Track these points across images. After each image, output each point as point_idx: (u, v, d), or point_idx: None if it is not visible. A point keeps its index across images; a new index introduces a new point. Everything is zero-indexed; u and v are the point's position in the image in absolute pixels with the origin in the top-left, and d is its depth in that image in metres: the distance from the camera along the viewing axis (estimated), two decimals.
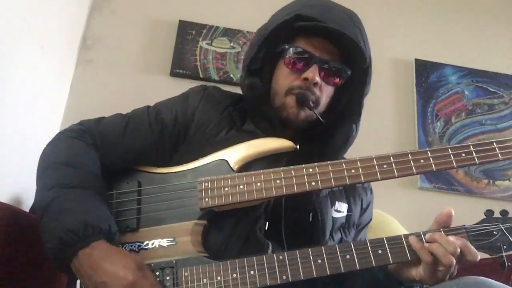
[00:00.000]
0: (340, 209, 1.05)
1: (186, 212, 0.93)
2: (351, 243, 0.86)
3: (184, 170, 0.99)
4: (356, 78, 1.06)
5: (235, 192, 0.91)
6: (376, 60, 2.26)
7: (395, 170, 0.88)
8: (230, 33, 2.09)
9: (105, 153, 1.00)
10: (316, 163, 0.91)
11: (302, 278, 0.83)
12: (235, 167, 0.95)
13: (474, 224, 0.88)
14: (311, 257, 0.85)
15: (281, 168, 0.92)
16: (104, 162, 1.00)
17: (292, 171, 0.91)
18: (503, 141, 0.87)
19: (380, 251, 0.85)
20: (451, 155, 0.87)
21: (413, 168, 0.87)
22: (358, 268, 0.84)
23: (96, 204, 0.89)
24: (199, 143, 1.01)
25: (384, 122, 2.10)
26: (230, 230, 0.93)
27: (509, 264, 0.84)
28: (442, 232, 0.85)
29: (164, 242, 0.91)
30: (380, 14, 2.29)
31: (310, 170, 0.90)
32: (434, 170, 0.87)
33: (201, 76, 2.00)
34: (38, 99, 1.58)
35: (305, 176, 0.90)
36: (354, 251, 0.85)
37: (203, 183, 0.94)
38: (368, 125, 2.02)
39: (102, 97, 1.92)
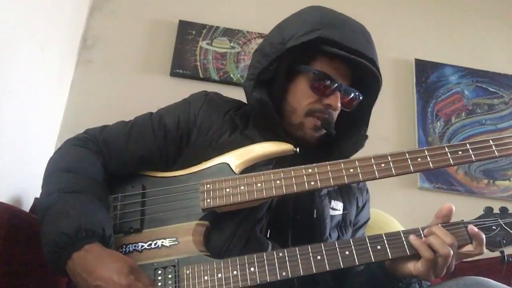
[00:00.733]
0: (336, 207, 1.07)
1: (188, 213, 0.95)
2: (350, 240, 0.87)
3: (187, 174, 1.01)
4: (367, 98, 1.10)
5: (236, 193, 0.93)
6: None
7: (392, 169, 0.89)
8: (230, 33, 2.09)
9: (110, 159, 1.03)
10: (315, 164, 0.92)
11: (302, 274, 0.84)
12: (236, 170, 0.98)
13: (473, 219, 0.88)
14: (310, 253, 0.86)
15: (281, 169, 0.94)
16: (109, 168, 1.03)
17: (292, 172, 0.93)
18: (500, 138, 0.89)
19: (379, 247, 0.85)
20: (448, 153, 0.88)
21: (411, 166, 0.89)
22: (357, 263, 0.85)
23: (93, 208, 0.91)
24: (202, 147, 1.03)
25: (384, 122, 2.10)
26: (231, 231, 0.94)
27: (510, 259, 0.85)
28: (440, 226, 0.86)
29: (166, 242, 0.93)
30: (380, 14, 2.29)
31: (309, 170, 0.92)
32: (432, 168, 0.88)
33: (201, 76, 2.00)
34: (38, 99, 1.58)
35: (305, 176, 0.91)
36: (353, 247, 0.85)
37: (205, 185, 0.96)
38: (368, 125, 2.03)
39: (102, 97, 1.92)
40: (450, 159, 0.88)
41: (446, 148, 0.89)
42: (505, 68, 2.26)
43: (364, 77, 1.07)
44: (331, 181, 0.91)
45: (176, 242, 0.93)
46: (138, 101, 1.91)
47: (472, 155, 0.88)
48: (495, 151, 0.87)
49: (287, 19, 1.11)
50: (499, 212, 0.89)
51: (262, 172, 0.94)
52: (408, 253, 0.85)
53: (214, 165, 1.00)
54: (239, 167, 0.98)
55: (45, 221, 0.88)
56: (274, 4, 2.15)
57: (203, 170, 1.00)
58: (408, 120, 2.12)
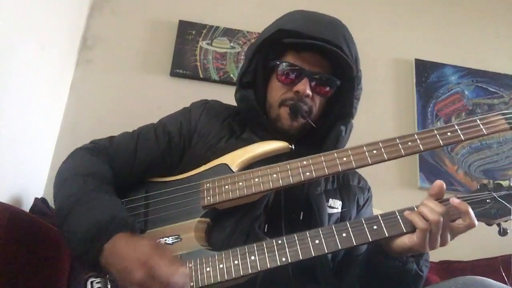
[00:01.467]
0: (334, 206, 1.09)
1: (189, 211, 0.98)
2: (347, 222, 0.89)
3: (187, 177, 1.05)
4: (346, 83, 1.11)
5: (235, 189, 0.96)
6: (376, 60, 2.28)
7: (384, 154, 0.91)
8: (230, 33, 2.09)
9: (120, 170, 1.07)
10: (309, 156, 0.96)
11: (301, 258, 0.86)
12: (235, 170, 1.01)
13: (467, 194, 0.91)
14: (308, 238, 0.88)
15: (277, 164, 0.97)
16: (117, 177, 1.06)
17: (288, 165, 0.96)
18: (486, 117, 0.91)
19: (375, 227, 0.87)
20: (437, 135, 0.91)
21: (402, 150, 0.91)
22: (354, 244, 0.86)
23: (118, 204, 0.95)
24: (201, 152, 1.08)
25: (384, 122, 2.10)
26: (231, 228, 0.97)
27: (507, 231, 0.87)
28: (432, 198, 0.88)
29: (169, 240, 0.96)
30: (380, 14, 2.30)
31: (304, 162, 0.95)
32: (422, 150, 0.91)
33: (201, 76, 2.00)
34: (38, 99, 1.58)
35: (300, 168, 0.95)
36: (350, 229, 0.88)
37: (205, 184, 0.99)
38: (368, 125, 2.04)
39: (102, 97, 1.92)
40: (440, 140, 0.90)
41: (435, 130, 0.91)
42: (505, 68, 2.26)
43: (340, 66, 1.09)
44: (326, 170, 0.93)
45: (179, 239, 0.95)
46: (138, 101, 1.91)
47: (461, 135, 0.90)
48: (483, 129, 0.90)
49: None
50: (493, 187, 0.92)
51: (259, 168, 0.97)
52: (404, 230, 0.87)
53: (213, 166, 1.04)
54: (237, 167, 1.01)
55: (73, 217, 0.90)
56: (274, 4, 2.15)
57: (203, 171, 1.04)
58: (408, 120, 2.12)
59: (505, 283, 0.83)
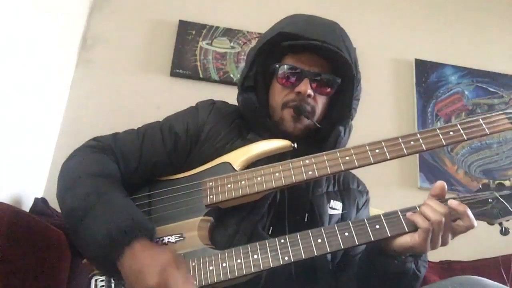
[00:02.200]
0: (335, 207, 1.09)
1: (192, 209, 0.98)
2: (349, 222, 0.89)
3: (190, 175, 1.04)
4: (346, 84, 1.12)
5: (237, 187, 0.96)
6: (376, 60, 2.28)
7: (387, 153, 0.91)
8: (230, 33, 2.09)
9: (126, 168, 1.05)
10: (312, 155, 0.96)
11: (304, 257, 0.86)
12: (237, 168, 1.01)
13: (469, 194, 0.91)
14: (311, 237, 0.88)
15: (279, 163, 0.97)
16: (124, 176, 1.04)
17: (290, 164, 0.96)
18: (489, 116, 0.91)
19: (377, 226, 0.88)
20: (440, 135, 0.91)
21: (404, 149, 0.91)
22: (357, 243, 0.87)
23: (135, 207, 0.94)
24: (208, 153, 1.07)
25: (384, 122, 2.10)
26: (235, 228, 0.98)
27: (509, 230, 0.87)
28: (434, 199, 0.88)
29: (172, 238, 0.96)
30: (380, 14, 2.30)
31: (307, 161, 0.95)
32: (425, 149, 0.91)
33: (201, 76, 2.00)
34: (38, 99, 1.58)
35: (302, 167, 0.95)
36: (352, 228, 0.88)
37: (207, 183, 0.99)
38: (368, 125, 2.03)
39: (102, 97, 1.92)
40: (442, 139, 0.90)
41: (437, 130, 0.91)
42: (505, 68, 2.27)
43: (339, 67, 1.10)
44: (328, 170, 0.93)
45: (182, 238, 0.95)
46: (138, 101, 1.91)
47: (463, 134, 0.90)
48: (486, 129, 0.90)
49: None
50: (495, 186, 0.92)
51: (261, 167, 0.97)
52: (407, 230, 0.87)
53: (216, 165, 1.03)
54: (240, 166, 1.01)
55: (89, 219, 0.88)
56: (274, 4, 2.15)
57: (206, 170, 1.03)
58: (408, 120, 2.12)
59: (505, 283, 0.83)
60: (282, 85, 1.10)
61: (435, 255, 1.52)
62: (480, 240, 1.54)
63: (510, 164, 2.09)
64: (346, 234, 0.87)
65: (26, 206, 1.41)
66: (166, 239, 0.96)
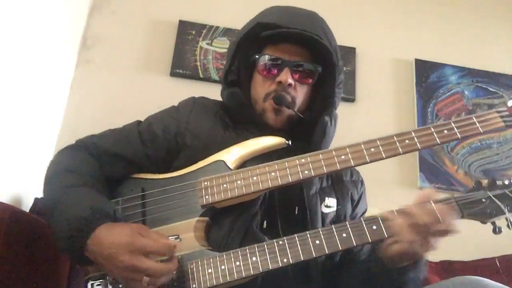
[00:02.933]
0: (330, 205, 1.09)
1: (188, 210, 0.97)
2: (347, 222, 0.89)
3: (184, 174, 1.04)
4: (327, 73, 1.12)
5: (233, 187, 0.96)
6: (376, 60, 2.28)
7: (382, 152, 0.92)
8: (230, 33, 2.09)
9: (101, 162, 1.06)
10: (308, 154, 0.96)
11: (302, 259, 0.86)
12: (232, 167, 1.01)
13: (463, 194, 0.92)
14: (309, 238, 0.88)
15: (275, 162, 0.97)
16: (103, 170, 1.06)
17: (286, 163, 0.96)
18: (482, 115, 0.92)
19: (374, 227, 0.88)
20: (434, 133, 0.92)
21: (399, 148, 0.92)
22: (354, 244, 0.87)
23: (100, 196, 0.95)
24: (198, 149, 1.06)
25: (384, 122, 2.10)
26: (229, 226, 0.97)
27: (502, 230, 0.88)
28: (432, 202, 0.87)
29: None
30: (380, 14, 2.29)
31: (303, 160, 0.95)
32: (419, 148, 0.92)
33: (201, 76, 2.00)
34: (38, 99, 1.58)
35: (298, 166, 0.95)
36: (350, 229, 0.88)
37: (202, 182, 0.98)
38: (368, 125, 2.04)
39: (102, 97, 1.92)
40: (437, 138, 0.91)
41: (432, 128, 0.92)
42: (505, 68, 2.26)
43: (319, 55, 1.09)
44: (324, 169, 0.94)
45: (178, 240, 0.95)
46: (138, 101, 1.91)
47: (458, 133, 0.91)
48: (479, 128, 0.90)
49: None
50: (487, 185, 0.93)
51: (257, 166, 0.97)
52: None
53: (210, 163, 1.03)
54: (234, 164, 1.01)
55: (56, 213, 0.91)
56: (274, 4, 2.15)
57: (200, 168, 1.03)
58: (408, 120, 2.12)
59: (505, 283, 0.83)
60: (263, 77, 1.10)
61: (435, 255, 1.52)
62: (480, 240, 1.54)
63: (510, 164, 2.09)
64: (344, 235, 0.88)
65: (26, 206, 1.41)
66: None
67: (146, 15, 2.09)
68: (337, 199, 1.11)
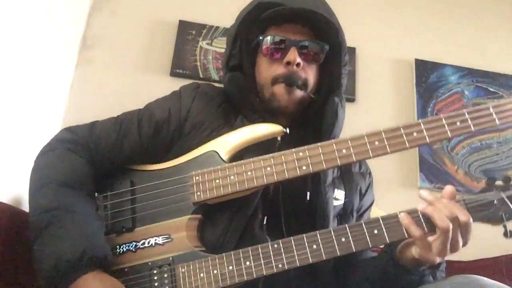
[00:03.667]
0: (338, 197, 1.04)
1: (179, 207, 0.93)
2: (346, 226, 0.84)
3: (175, 165, 0.98)
4: (333, 52, 1.07)
5: (226, 184, 0.90)
6: (376, 60, 2.28)
7: (387, 146, 0.85)
8: None
9: (101, 162, 1.00)
10: (306, 146, 0.89)
11: (298, 265, 0.83)
12: (225, 158, 0.95)
13: (475, 195, 0.85)
14: (306, 243, 0.84)
15: (271, 155, 0.90)
16: (98, 169, 1.00)
17: (282, 157, 0.89)
18: (500, 104, 0.83)
19: (376, 231, 0.83)
20: (445, 125, 0.83)
21: (406, 142, 0.84)
22: (354, 250, 0.82)
23: (93, 231, 0.88)
24: (194, 142, 1.00)
25: (384, 122, 2.09)
26: (225, 225, 0.92)
27: None
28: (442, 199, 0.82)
29: (160, 239, 0.92)
30: (380, 14, 2.29)
31: (300, 154, 0.88)
32: (429, 142, 0.84)
33: (201, 76, 2.00)
34: (38, 99, 1.58)
35: (296, 161, 0.88)
36: (349, 233, 0.83)
37: (194, 177, 0.93)
38: (368, 125, 2.03)
39: (102, 97, 1.92)
40: (448, 131, 0.83)
41: (443, 119, 0.84)
42: (505, 68, 2.26)
43: (323, 34, 1.05)
44: (324, 164, 0.87)
45: (170, 239, 0.91)
46: (138, 101, 1.89)
47: (471, 125, 0.82)
48: (496, 120, 0.81)
49: None
50: (501, 183, 0.85)
51: (251, 159, 0.91)
52: (406, 236, 0.82)
53: (202, 154, 0.97)
54: (228, 154, 0.95)
55: (41, 243, 0.84)
56: None
57: (192, 160, 0.97)
58: (408, 120, 2.10)
59: (505, 282, 0.82)
60: (268, 59, 1.04)
61: None
62: (480, 240, 1.54)
63: (510, 164, 2.09)
64: (343, 239, 0.83)
65: (26, 206, 1.41)
66: (152, 241, 0.92)
67: (146, 15, 2.09)
68: (345, 192, 1.06)
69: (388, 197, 1.65)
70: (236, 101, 1.06)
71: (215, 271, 0.85)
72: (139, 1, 2.12)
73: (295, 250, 0.84)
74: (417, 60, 2.21)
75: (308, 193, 0.99)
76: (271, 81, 1.03)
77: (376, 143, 0.85)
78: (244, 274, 0.84)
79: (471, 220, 0.80)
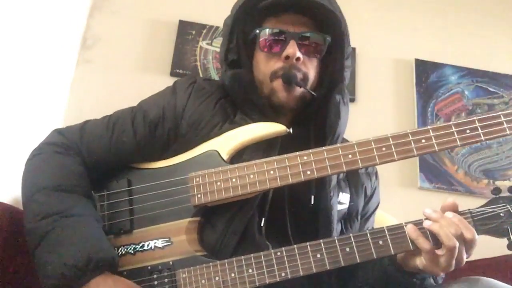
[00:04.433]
0: (343, 201, 1.01)
1: (179, 210, 0.90)
2: (351, 235, 0.82)
3: (174, 164, 0.96)
4: (335, 44, 1.01)
5: (228, 187, 0.87)
6: (376, 60, 2.28)
7: (394, 153, 0.82)
8: None
9: (94, 165, 0.97)
10: (310, 150, 0.86)
11: (302, 274, 0.82)
12: (226, 157, 0.92)
13: (481, 206, 0.84)
14: (309, 252, 0.82)
15: (274, 158, 0.87)
16: (92, 171, 0.97)
17: (286, 160, 0.86)
18: (511, 113, 0.81)
19: (381, 242, 0.81)
20: (455, 133, 0.81)
21: (414, 150, 0.82)
22: (358, 261, 0.81)
23: (97, 233, 0.86)
24: (193, 142, 0.97)
25: (384, 122, 2.10)
26: (223, 227, 0.90)
27: None
28: (445, 215, 0.81)
29: (159, 242, 0.90)
30: (380, 14, 2.29)
31: (305, 158, 0.85)
32: (437, 150, 0.82)
33: (201, 76, 2.00)
34: (38, 99, 1.58)
35: (300, 165, 0.85)
36: (354, 244, 0.82)
37: (194, 179, 0.90)
38: (368, 125, 2.03)
39: (102, 97, 1.91)
40: (457, 139, 0.80)
41: (453, 126, 0.81)
42: (505, 68, 2.26)
43: (325, 23, 0.99)
44: (329, 170, 0.84)
45: (170, 243, 0.89)
46: (138, 101, 1.91)
47: (481, 134, 0.79)
48: (507, 129, 0.79)
49: None
50: (508, 193, 0.83)
51: (254, 162, 0.88)
52: (412, 248, 0.81)
53: (202, 153, 0.94)
54: (229, 154, 0.92)
55: (43, 250, 0.82)
56: None
57: (191, 159, 0.94)
58: (408, 120, 2.12)
59: (506, 282, 0.82)
60: (266, 53, 0.98)
61: None
62: (480, 240, 1.54)
63: (510, 164, 2.09)
64: (347, 249, 0.81)
65: None
66: (152, 244, 0.90)
67: (146, 15, 2.09)
68: (350, 195, 1.02)
69: (388, 197, 1.65)
70: (237, 98, 1.01)
71: (216, 278, 0.83)
72: (139, 1, 2.12)
73: (298, 259, 0.82)
74: (417, 60, 2.21)
75: (313, 197, 0.96)
76: (270, 77, 0.98)
77: (383, 149, 0.83)
78: (247, 282, 0.82)
79: (476, 236, 0.79)
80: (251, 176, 0.87)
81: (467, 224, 0.79)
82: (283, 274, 0.82)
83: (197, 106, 0.99)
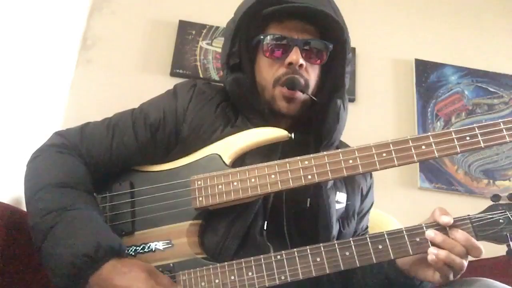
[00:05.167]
0: (340, 200, 1.02)
1: (180, 212, 0.91)
2: (351, 240, 0.83)
3: (176, 167, 0.96)
4: (336, 51, 1.03)
5: (229, 190, 0.88)
6: (376, 60, 2.28)
7: (395, 159, 0.83)
8: None
9: (94, 168, 0.98)
10: (312, 155, 0.87)
11: (301, 277, 0.82)
12: (228, 161, 0.93)
13: (480, 212, 0.84)
14: (309, 255, 0.83)
15: (275, 162, 0.88)
16: (93, 173, 0.98)
17: (287, 165, 0.87)
18: (510, 120, 0.82)
19: (380, 246, 0.82)
20: (455, 139, 0.82)
21: (414, 156, 0.83)
22: (358, 265, 0.82)
23: (101, 224, 0.87)
24: (194, 145, 0.98)
25: (384, 122, 2.10)
26: (224, 230, 0.90)
27: None
28: (448, 229, 0.81)
29: (160, 245, 0.90)
30: (380, 14, 2.30)
31: (306, 162, 0.87)
32: (437, 157, 0.83)
33: (201, 76, 2.00)
34: (38, 99, 1.58)
35: (301, 170, 0.86)
36: (353, 248, 0.82)
37: (195, 182, 0.91)
38: (368, 125, 2.04)
39: (102, 97, 1.92)
40: (457, 146, 0.82)
41: (453, 133, 0.82)
42: (505, 68, 2.26)
43: (327, 31, 1.01)
44: (329, 174, 0.85)
45: (170, 245, 0.90)
46: (138, 101, 1.89)
47: (481, 141, 0.81)
48: (506, 136, 0.81)
49: None
50: (507, 200, 0.84)
51: (255, 166, 0.89)
52: (411, 253, 0.82)
53: (204, 157, 0.95)
54: (230, 158, 0.93)
55: (50, 243, 0.82)
56: None
57: (193, 162, 0.95)
58: (408, 120, 2.12)
59: (506, 283, 0.82)
60: (269, 59, 1.00)
61: None
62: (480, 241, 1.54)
63: (510, 164, 2.09)
64: (347, 253, 0.82)
65: None
66: (153, 246, 0.90)
67: (146, 15, 2.09)
68: (347, 194, 1.04)
69: (388, 197, 1.65)
70: (238, 102, 1.03)
71: (216, 281, 0.83)
72: (139, 1, 2.12)
73: (298, 263, 0.83)
74: (417, 60, 2.21)
75: (310, 198, 0.97)
76: (273, 83, 1.00)
77: (384, 154, 0.84)
78: (246, 285, 0.83)
79: (482, 251, 0.80)
80: (253, 179, 0.88)
81: (474, 242, 0.80)
82: (282, 278, 0.82)
83: (198, 110, 1.00)
